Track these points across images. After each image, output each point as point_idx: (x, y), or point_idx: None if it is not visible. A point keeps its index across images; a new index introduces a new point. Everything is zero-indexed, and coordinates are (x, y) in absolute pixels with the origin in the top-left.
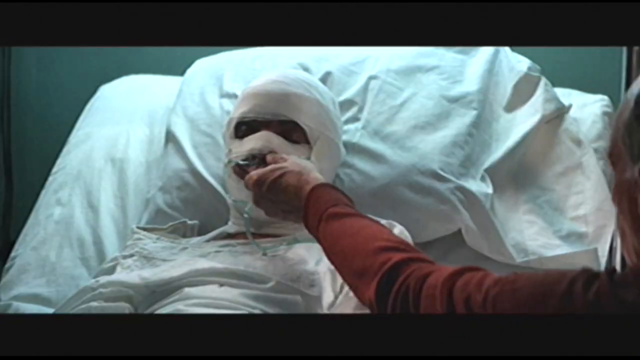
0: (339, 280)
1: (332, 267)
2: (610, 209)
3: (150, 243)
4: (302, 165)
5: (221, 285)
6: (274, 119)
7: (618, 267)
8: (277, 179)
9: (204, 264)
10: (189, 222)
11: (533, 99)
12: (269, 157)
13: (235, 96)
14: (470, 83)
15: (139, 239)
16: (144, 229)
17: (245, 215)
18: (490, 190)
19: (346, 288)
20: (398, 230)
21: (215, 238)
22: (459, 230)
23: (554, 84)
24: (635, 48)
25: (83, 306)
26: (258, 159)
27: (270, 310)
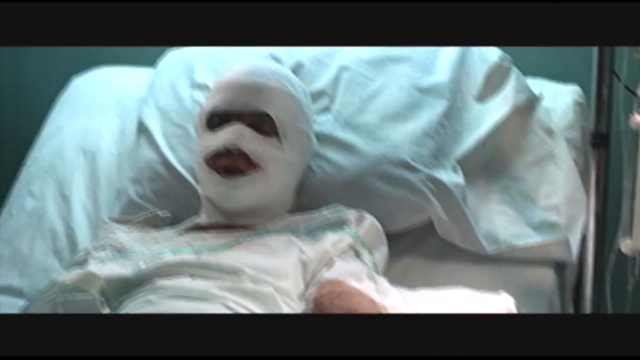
0: (310, 271)
1: (303, 258)
2: (582, 199)
3: (122, 234)
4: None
5: (193, 276)
6: (245, 111)
7: (590, 256)
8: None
9: (175, 255)
10: (161, 213)
11: (504, 89)
12: None
13: (206, 87)
14: (441, 73)
15: (111, 230)
16: (116, 221)
17: None
18: (461, 180)
19: (317, 277)
20: (369, 221)
21: (187, 229)
22: (430, 221)
23: (525, 74)
24: None
25: (54, 298)
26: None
27: (243, 301)
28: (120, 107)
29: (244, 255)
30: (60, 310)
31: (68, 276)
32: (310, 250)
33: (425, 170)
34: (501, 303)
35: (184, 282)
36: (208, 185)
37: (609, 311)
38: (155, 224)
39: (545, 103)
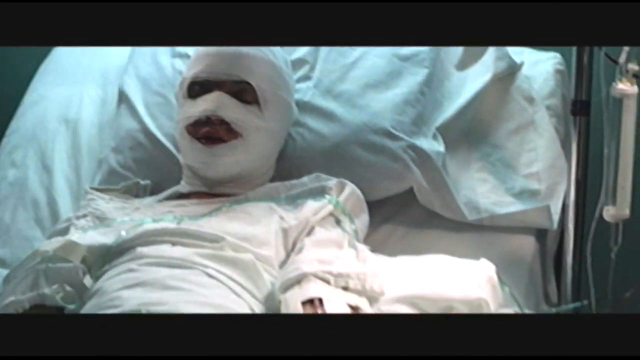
0: (291, 239)
1: (284, 226)
2: (563, 166)
3: (103, 203)
4: None
5: (174, 244)
6: (226, 79)
7: (571, 224)
8: None
9: (156, 224)
10: (142, 182)
11: (485, 57)
12: None
13: (187, 56)
14: None
15: (92, 199)
16: (97, 190)
17: None
18: (442, 148)
19: (298, 245)
20: (349, 189)
21: (168, 198)
22: (411, 189)
23: None
24: None
25: (36, 267)
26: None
27: (223, 268)
28: (101, 76)
29: (225, 223)
30: (42, 280)
31: (50, 245)
32: (291, 218)
33: (406, 138)
34: (482, 270)
35: (165, 249)
36: (189, 153)
37: (590, 279)
38: (137, 192)
39: (525, 71)
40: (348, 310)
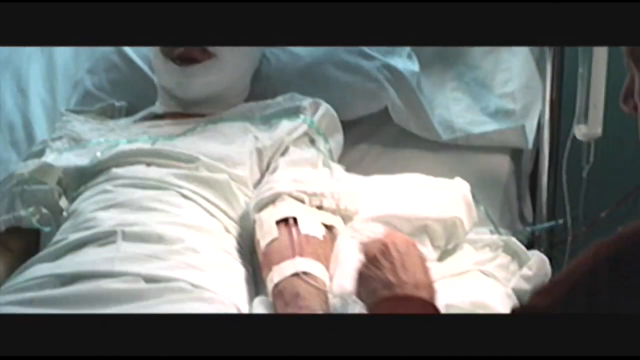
0: (265, 159)
1: (259, 146)
2: (538, 86)
3: (79, 125)
4: None
5: (148, 165)
6: None
7: (546, 144)
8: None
9: (131, 144)
10: (117, 103)
11: None
12: None
13: None
14: None
15: (68, 121)
16: (73, 112)
17: None
18: (416, 67)
19: (273, 165)
20: (324, 108)
21: (143, 119)
22: (386, 108)
23: None
24: None
25: (12, 190)
26: None
27: (198, 189)
28: None
29: (200, 143)
30: (18, 202)
31: (25, 168)
32: (266, 138)
33: (381, 57)
34: (456, 189)
35: (140, 170)
36: (164, 74)
37: (565, 198)
38: (112, 114)
39: None
40: (322, 230)
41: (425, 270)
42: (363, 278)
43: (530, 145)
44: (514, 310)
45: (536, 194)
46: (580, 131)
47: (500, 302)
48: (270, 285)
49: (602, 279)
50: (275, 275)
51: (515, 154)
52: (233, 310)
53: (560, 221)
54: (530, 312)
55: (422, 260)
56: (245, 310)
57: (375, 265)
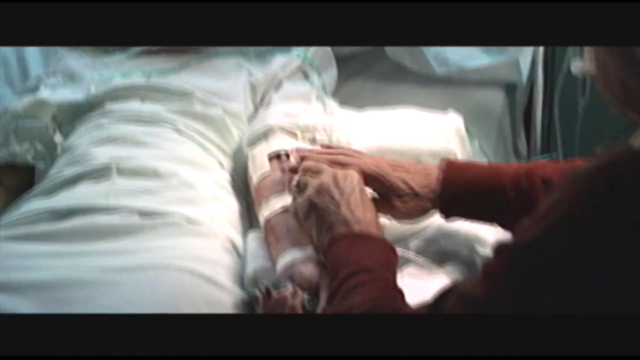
0: (259, 93)
1: (253, 81)
2: None
3: (73, 61)
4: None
5: (143, 99)
6: None
7: (540, 78)
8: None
9: (125, 79)
10: None
11: None
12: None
13: None
14: None
15: (62, 57)
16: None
17: None
18: None
19: (266, 100)
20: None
21: (137, 53)
22: None
23: None
24: None
25: (6, 125)
26: None
27: (192, 123)
28: None
29: (194, 78)
30: (13, 138)
31: (19, 104)
32: (260, 72)
33: None
34: (450, 122)
35: (134, 105)
36: None
37: (558, 132)
38: (106, 49)
39: None
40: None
41: (372, 208)
42: (312, 207)
43: (525, 79)
44: (500, 245)
45: (530, 129)
46: (576, 66)
47: (493, 234)
48: (261, 220)
49: (594, 207)
50: (266, 210)
51: (510, 88)
52: (227, 245)
53: (555, 155)
54: (515, 244)
55: (367, 197)
56: (239, 244)
57: (328, 195)
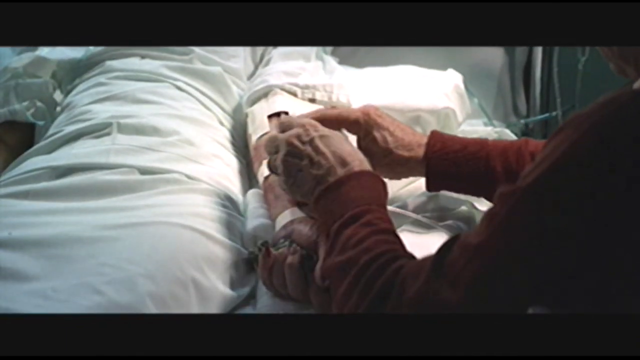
0: (259, 51)
1: None
2: None
3: None
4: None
5: (143, 57)
6: None
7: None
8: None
9: None
10: None
11: None
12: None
13: None
14: None
15: None
16: None
17: None
18: None
19: (266, 58)
20: None
21: None
22: None
23: None
24: None
25: (6, 83)
26: None
27: (192, 81)
28: None
29: None
30: (13, 96)
31: (19, 61)
32: None
33: None
34: (449, 80)
35: (134, 62)
36: None
37: (557, 91)
38: None
39: None
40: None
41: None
42: (287, 171)
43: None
44: (502, 191)
45: (530, 87)
46: None
47: None
48: (260, 179)
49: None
50: (265, 169)
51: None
52: (227, 202)
53: (554, 113)
54: (518, 187)
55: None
56: (239, 202)
57: (296, 155)
